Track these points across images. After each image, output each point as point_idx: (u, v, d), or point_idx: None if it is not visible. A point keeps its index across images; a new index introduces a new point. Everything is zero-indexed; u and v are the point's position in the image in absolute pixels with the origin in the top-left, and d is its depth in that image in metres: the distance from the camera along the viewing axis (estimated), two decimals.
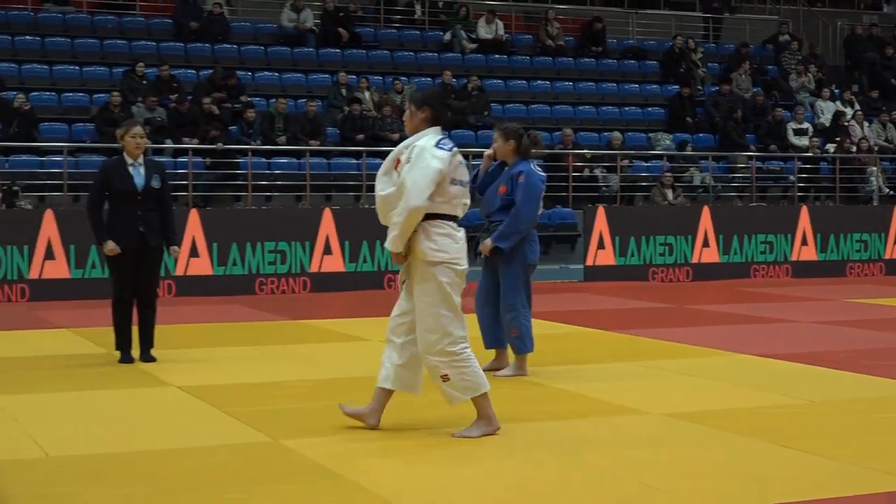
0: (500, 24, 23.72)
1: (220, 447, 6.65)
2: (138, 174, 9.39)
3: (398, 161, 6.85)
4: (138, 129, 9.53)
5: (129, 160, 9.40)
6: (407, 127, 7.06)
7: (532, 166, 8.97)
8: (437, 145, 6.80)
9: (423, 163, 6.70)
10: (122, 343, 9.62)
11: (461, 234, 6.89)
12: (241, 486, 5.78)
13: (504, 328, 8.92)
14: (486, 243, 8.83)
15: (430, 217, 6.73)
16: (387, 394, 7.01)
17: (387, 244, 6.80)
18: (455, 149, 6.90)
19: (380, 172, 6.94)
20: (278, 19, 22.59)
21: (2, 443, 6.73)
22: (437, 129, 6.94)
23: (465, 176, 6.95)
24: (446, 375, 6.78)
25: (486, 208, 9.06)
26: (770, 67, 24.94)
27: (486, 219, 9.09)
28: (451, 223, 6.84)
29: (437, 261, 6.73)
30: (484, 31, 23.46)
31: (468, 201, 7.02)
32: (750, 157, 21.02)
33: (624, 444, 6.78)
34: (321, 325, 12.38)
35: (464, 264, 6.84)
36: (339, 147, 19.26)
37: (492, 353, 9.13)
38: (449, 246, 6.77)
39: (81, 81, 19.96)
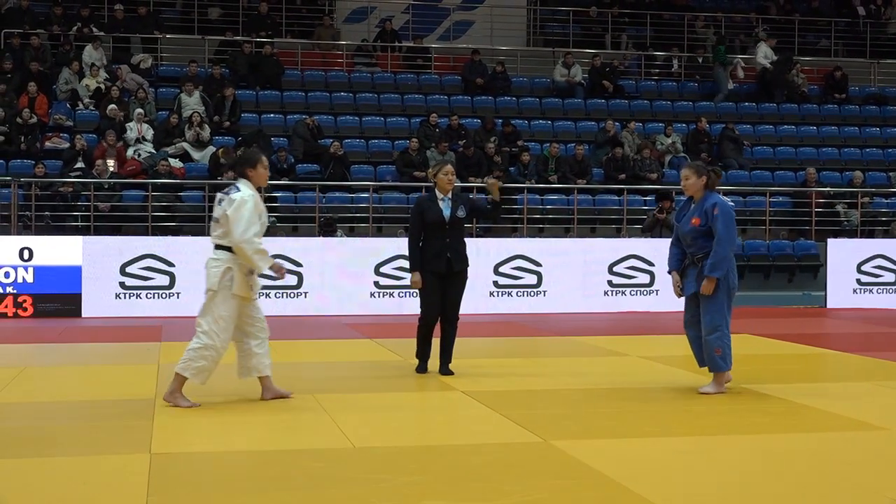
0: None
1: (496, 445, 6.66)
2: (446, 207, 9.34)
3: None
4: (450, 168, 9.47)
5: (440, 195, 9.36)
6: None
7: (721, 197, 8.50)
8: None
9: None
10: (422, 354, 9.62)
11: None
12: (514, 480, 5.76)
13: (706, 347, 8.40)
14: (705, 284, 8.24)
15: None
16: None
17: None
18: (219, 195, 7.88)
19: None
20: (552, 75, 22.73)
21: (317, 434, 6.95)
22: (237, 179, 7.87)
23: (213, 214, 7.88)
24: None
25: (683, 241, 8.54)
26: None
27: (687, 251, 8.56)
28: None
29: None
30: (763, 54, 23.04)
31: (214, 234, 7.84)
32: None
33: (864, 457, 6.42)
34: (587, 341, 12.29)
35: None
36: (603, 185, 19.18)
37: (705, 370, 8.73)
38: None
39: (385, 130, 20.62)
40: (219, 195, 7.95)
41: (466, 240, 9.66)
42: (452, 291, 9.42)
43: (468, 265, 9.53)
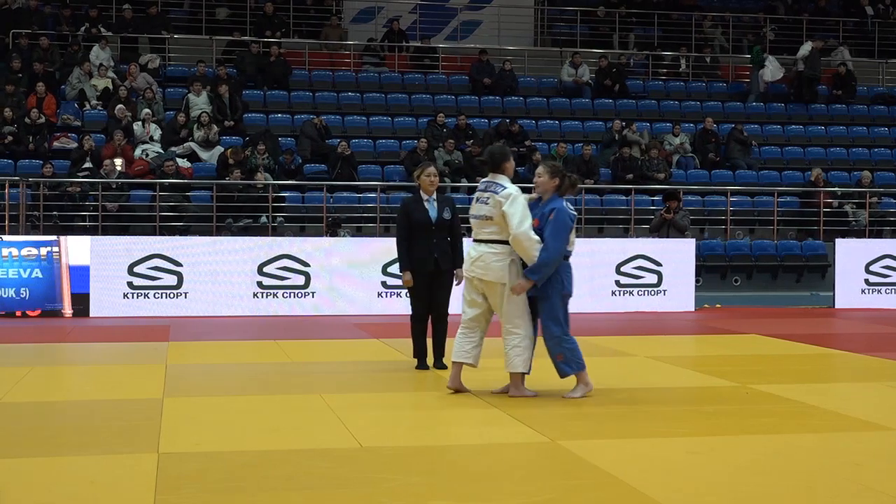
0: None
1: (504, 445, 6.67)
2: (432, 208, 9.47)
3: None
4: (432, 170, 9.59)
5: (425, 196, 9.49)
6: None
7: (564, 204, 8.26)
8: None
9: None
10: (419, 352, 9.74)
11: (473, 252, 8.11)
12: (521, 480, 5.77)
13: (550, 354, 8.27)
14: (521, 282, 8.05)
15: None
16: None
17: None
18: (477, 195, 8.13)
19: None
20: (559, 74, 22.72)
21: (324, 434, 6.96)
22: (494, 175, 8.11)
23: (475, 211, 8.09)
24: None
25: None
26: None
27: None
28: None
29: None
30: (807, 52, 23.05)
31: (482, 231, 8.03)
32: None
33: (872, 457, 6.40)
34: (594, 342, 12.24)
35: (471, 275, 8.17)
36: (610, 185, 19.16)
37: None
38: None
39: (392, 130, 20.63)
40: (476, 195, 8.15)
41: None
42: (441, 290, 9.58)
43: (460, 265, 9.50)
